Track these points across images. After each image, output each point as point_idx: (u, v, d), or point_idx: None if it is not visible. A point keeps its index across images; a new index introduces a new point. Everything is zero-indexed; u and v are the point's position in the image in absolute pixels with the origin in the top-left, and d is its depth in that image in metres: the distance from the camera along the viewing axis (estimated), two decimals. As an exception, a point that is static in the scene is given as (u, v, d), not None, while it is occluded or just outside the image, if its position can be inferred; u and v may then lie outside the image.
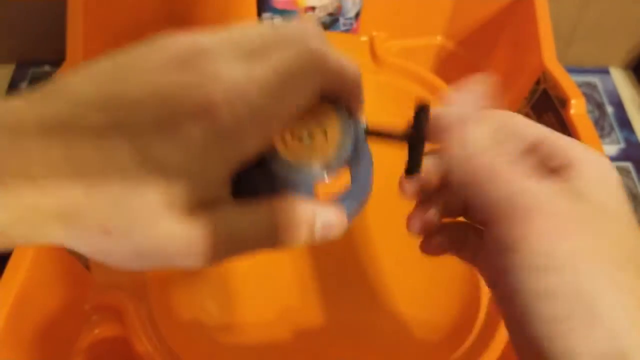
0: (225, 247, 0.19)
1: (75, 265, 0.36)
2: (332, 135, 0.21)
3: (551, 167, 0.21)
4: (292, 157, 0.21)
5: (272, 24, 0.21)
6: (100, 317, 0.36)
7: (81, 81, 0.18)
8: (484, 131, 0.23)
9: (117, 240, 0.18)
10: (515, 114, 0.24)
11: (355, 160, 0.22)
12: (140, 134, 0.17)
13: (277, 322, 0.38)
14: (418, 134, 0.23)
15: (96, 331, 0.36)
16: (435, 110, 0.23)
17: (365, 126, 0.23)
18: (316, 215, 0.21)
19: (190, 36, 0.19)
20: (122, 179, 0.17)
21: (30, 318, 0.31)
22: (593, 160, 0.21)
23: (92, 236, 0.18)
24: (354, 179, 0.22)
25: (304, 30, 0.20)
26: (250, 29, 0.20)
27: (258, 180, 0.21)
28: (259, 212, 0.20)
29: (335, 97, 0.22)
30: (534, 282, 0.19)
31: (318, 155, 0.21)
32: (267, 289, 0.40)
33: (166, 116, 0.17)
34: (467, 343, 0.36)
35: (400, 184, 0.25)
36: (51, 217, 0.17)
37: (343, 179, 0.21)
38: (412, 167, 0.24)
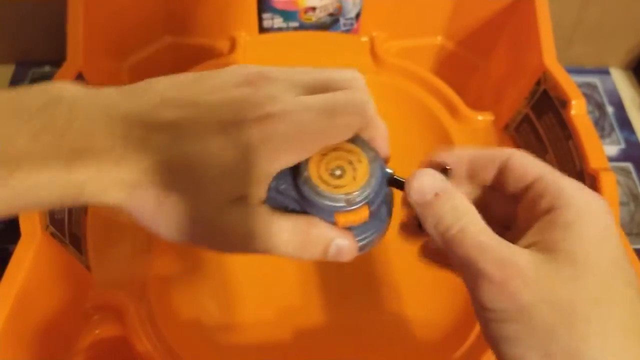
0: (246, 241, 0.23)
1: (76, 265, 0.36)
2: (361, 174, 0.24)
3: (542, 209, 0.22)
4: (322, 185, 0.24)
5: (328, 70, 0.25)
6: (100, 317, 0.36)
7: (165, 85, 0.23)
8: (461, 199, 0.23)
9: (166, 211, 0.22)
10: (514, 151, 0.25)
11: (377, 199, 0.25)
12: (205, 130, 0.21)
13: (278, 322, 0.38)
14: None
15: (97, 331, 0.36)
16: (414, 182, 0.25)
17: (391, 173, 0.26)
18: (333, 239, 0.24)
19: (258, 66, 0.24)
20: (180, 162, 0.21)
21: (31, 318, 0.31)
22: (587, 210, 0.22)
23: (147, 203, 0.22)
24: (372, 214, 0.25)
25: (353, 80, 0.25)
26: (308, 70, 0.25)
27: (288, 197, 0.24)
28: (286, 221, 0.23)
29: (367, 142, 0.25)
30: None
31: (345, 188, 0.24)
32: (267, 289, 0.40)
33: (230, 118, 0.21)
34: (468, 343, 0.36)
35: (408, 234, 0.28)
36: (119, 183, 0.21)
37: (363, 213, 0.24)
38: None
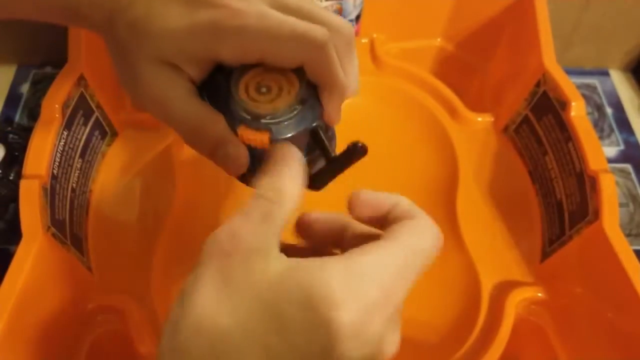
0: (151, 99, 0.26)
1: (77, 266, 0.36)
2: (281, 102, 0.25)
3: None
4: (243, 93, 0.25)
5: (320, 9, 0.26)
6: (102, 318, 0.36)
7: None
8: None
9: (122, 44, 0.26)
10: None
11: (284, 135, 0.25)
12: None
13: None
14: (340, 164, 0.25)
15: (99, 332, 0.36)
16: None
17: (316, 126, 0.26)
18: (226, 143, 0.25)
19: None
20: (144, 13, 0.25)
21: (32, 319, 0.31)
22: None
23: (116, 34, 0.26)
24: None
25: (338, 27, 0.25)
26: None
27: (218, 98, 0.26)
28: (194, 105, 0.26)
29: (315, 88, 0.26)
30: None
31: (257, 104, 0.25)
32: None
33: None
34: (468, 344, 0.36)
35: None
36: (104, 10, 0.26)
37: (262, 137, 0.25)
38: (317, 183, 0.25)
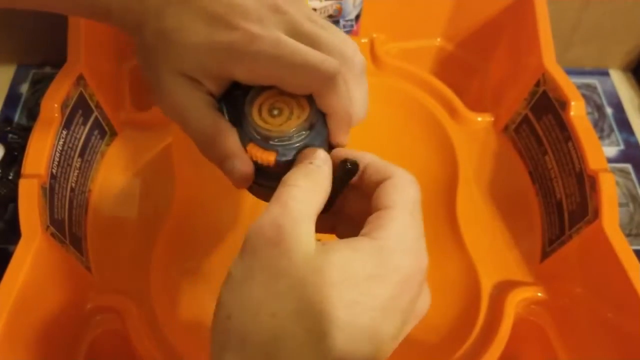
0: (171, 106, 0.28)
1: (76, 266, 0.36)
2: (290, 126, 0.26)
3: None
4: (255, 114, 0.27)
5: (335, 36, 0.27)
6: (101, 318, 0.36)
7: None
8: None
9: (149, 49, 0.28)
10: None
11: (289, 156, 0.26)
12: (198, 13, 0.26)
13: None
14: (335, 187, 0.26)
15: (97, 332, 0.36)
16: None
17: (326, 149, 0.27)
18: (234, 157, 0.27)
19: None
20: (170, 26, 0.26)
21: (31, 319, 0.31)
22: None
23: (144, 39, 0.28)
24: (280, 166, 0.27)
25: (347, 59, 0.27)
26: (323, 24, 0.28)
27: (234, 109, 0.28)
28: (211, 117, 0.27)
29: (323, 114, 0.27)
30: None
31: (267, 126, 0.27)
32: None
33: (221, 14, 0.26)
34: (467, 344, 0.36)
35: None
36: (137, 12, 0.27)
37: (269, 156, 0.27)
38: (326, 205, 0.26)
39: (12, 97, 0.56)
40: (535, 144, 0.43)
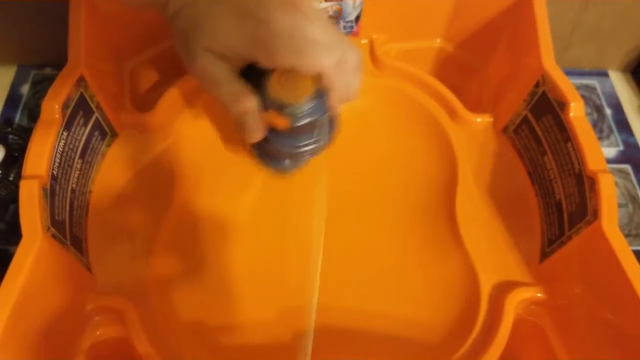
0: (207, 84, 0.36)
1: (77, 267, 0.36)
2: (306, 94, 0.35)
3: None
4: (275, 84, 0.35)
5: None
6: (101, 318, 0.36)
7: None
8: None
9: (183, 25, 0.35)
10: None
11: (302, 120, 0.35)
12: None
13: (278, 323, 0.39)
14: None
15: (97, 332, 0.36)
16: None
17: (329, 116, 0.38)
18: (248, 111, 0.35)
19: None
20: (203, 10, 0.33)
21: (32, 320, 0.31)
22: None
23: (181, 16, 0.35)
24: (294, 130, 0.37)
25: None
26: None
27: (257, 81, 0.35)
28: (233, 81, 0.35)
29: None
30: None
31: (283, 96, 0.35)
32: (267, 291, 0.40)
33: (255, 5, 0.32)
34: (467, 345, 0.36)
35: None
36: None
37: (283, 121, 0.36)
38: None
39: (13, 98, 0.56)
40: (535, 144, 0.43)
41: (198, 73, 0.35)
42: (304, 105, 0.35)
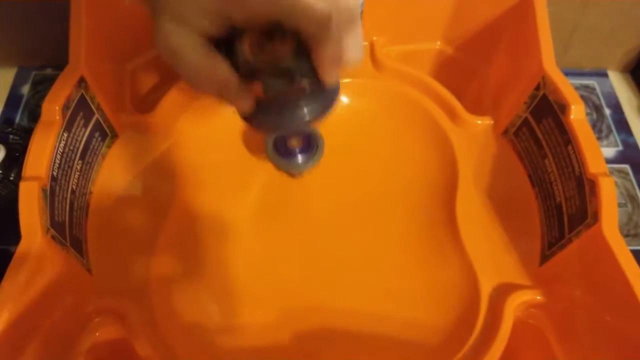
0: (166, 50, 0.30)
1: (77, 268, 0.36)
2: (281, 58, 0.29)
3: None
4: (246, 46, 0.29)
5: None
6: (101, 319, 0.36)
7: None
8: None
9: None
10: None
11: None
12: None
13: (278, 325, 0.39)
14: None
15: (97, 334, 0.36)
16: None
17: (307, 82, 0.30)
18: (231, 84, 0.30)
19: None
20: None
21: (32, 321, 0.32)
22: None
23: None
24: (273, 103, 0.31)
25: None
26: None
27: (230, 49, 0.29)
28: (205, 54, 0.29)
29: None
30: None
31: (262, 58, 0.29)
32: (268, 292, 0.40)
33: None
34: (466, 347, 0.36)
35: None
36: None
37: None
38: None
39: (14, 98, 0.56)
40: (535, 147, 0.43)
41: (163, 45, 0.30)
42: (280, 70, 0.29)
